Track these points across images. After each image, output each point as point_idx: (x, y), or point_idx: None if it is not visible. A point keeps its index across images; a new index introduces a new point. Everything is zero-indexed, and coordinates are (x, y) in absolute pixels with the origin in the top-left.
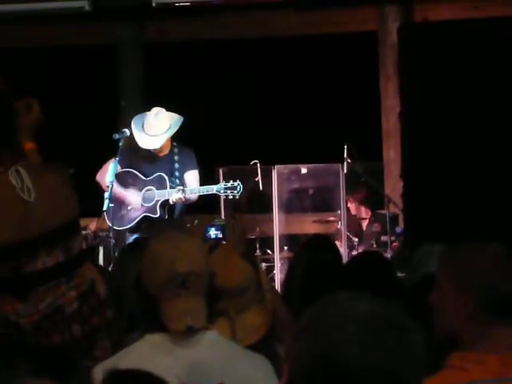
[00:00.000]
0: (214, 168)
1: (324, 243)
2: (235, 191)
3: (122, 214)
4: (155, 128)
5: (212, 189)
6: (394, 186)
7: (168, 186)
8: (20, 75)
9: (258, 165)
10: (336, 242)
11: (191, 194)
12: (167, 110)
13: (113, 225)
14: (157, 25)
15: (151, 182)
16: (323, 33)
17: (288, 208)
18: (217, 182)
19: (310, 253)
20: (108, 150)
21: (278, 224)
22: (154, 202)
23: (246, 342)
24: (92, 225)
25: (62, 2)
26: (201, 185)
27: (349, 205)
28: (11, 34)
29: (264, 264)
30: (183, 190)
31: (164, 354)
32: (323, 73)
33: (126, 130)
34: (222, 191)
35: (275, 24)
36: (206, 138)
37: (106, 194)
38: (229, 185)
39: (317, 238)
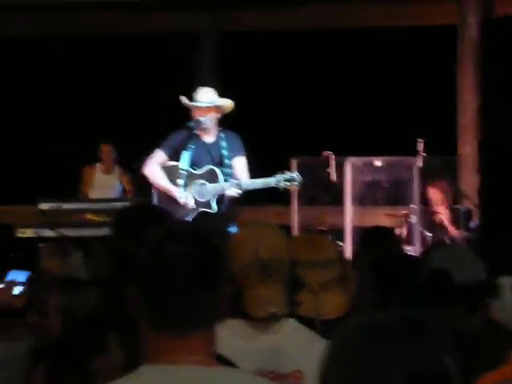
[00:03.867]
0: (287, 158)
1: (385, 236)
2: (295, 182)
3: (172, 209)
4: (204, 94)
5: (270, 183)
6: (468, 181)
7: (221, 180)
8: (96, 63)
9: (331, 156)
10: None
11: (247, 187)
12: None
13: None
14: (233, 14)
15: (202, 176)
16: (402, 25)
17: (360, 200)
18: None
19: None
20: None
21: (349, 216)
22: (208, 197)
23: (324, 316)
24: None
25: None
26: (262, 173)
27: (430, 192)
28: (88, 20)
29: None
30: (239, 185)
31: (243, 339)
32: (400, 65)
33: (201, 119)
34: (281, 183)
35: (354, 16)
36: (279, 128)
37: (181, 182)
38: (288, 176)
39: (377, 230)
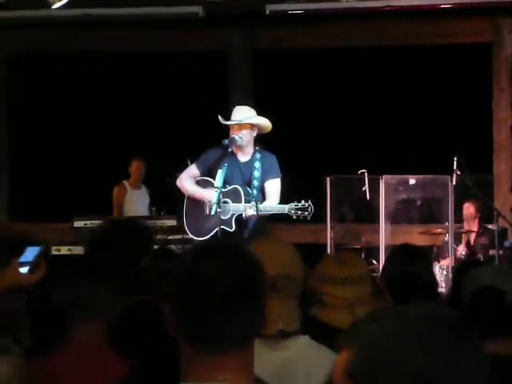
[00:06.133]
0: (322, 177)
1: (410, 254)
2: (306, 212)
3: (200, 223)
4: (238, 112)
5: (284, 208)
6: (503, 200)
7: (243, 200)
8: (131, 79)
9: (366, 174)
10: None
11: (264, 211)
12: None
13: (190, 232)
14: (268, 32)
15: (227, 194)
16: (436, 43)
17: (395, 218)
18: (324, 190)
19: (396, 264)
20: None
21: (384, 234)
22: (229, 216)
23: None
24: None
25: (176, 7)
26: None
27: (467, 211)
28: (123, 38)
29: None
30: (257, 207)
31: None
32: (435, 83)
33: (235, 137)
34: (292, 212)
35: (387, 33)
36: (314, 146)
37: (214, 199)
38: (300, 205)
39: (404, 248)
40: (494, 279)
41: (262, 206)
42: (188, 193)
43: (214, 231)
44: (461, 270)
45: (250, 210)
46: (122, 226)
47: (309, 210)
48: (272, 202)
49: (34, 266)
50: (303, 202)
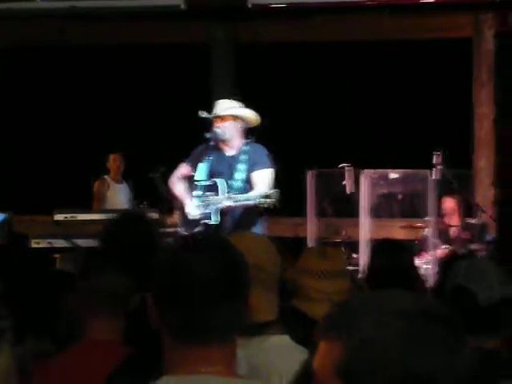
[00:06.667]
0: (303, 170)
1: (393, 248)
2: (271, 199)
3: (186, 217)
4: (219, 105)
5: (251, 198)
6: (484, 195)
7: (222, 193)
8: (112, 72)
9: (346, 168)
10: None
11: (238, 201)
12: (257, 111)
13: (181, 226)
14: (250, 26)
15: (209, 188)
16: (416, 38)
17: (375, 212)
18: (304, 184)
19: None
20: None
21: (364, 228)
22: (209, 209)
23: None
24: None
25: (158, 0)
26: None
27: (445, 205)
28: (106, 30)
29: (349, 267)
30: (232, 198)
31: None
32: (416, 78)
33: (217, 130)
34: (258, 200)
35: (368, 28)
36: (295, 140)
37: (197, 192)
38: (266, 193)
39: (385, 242)
40: (465, 276)
41: (237, 198)
42: (175, 193)
43: (199, 224)
44: (446, 263)
45: (226, 202)
46: (131, 220)
47: (272, 196)
48: (258, 192)
49: None
50: (269, 190)
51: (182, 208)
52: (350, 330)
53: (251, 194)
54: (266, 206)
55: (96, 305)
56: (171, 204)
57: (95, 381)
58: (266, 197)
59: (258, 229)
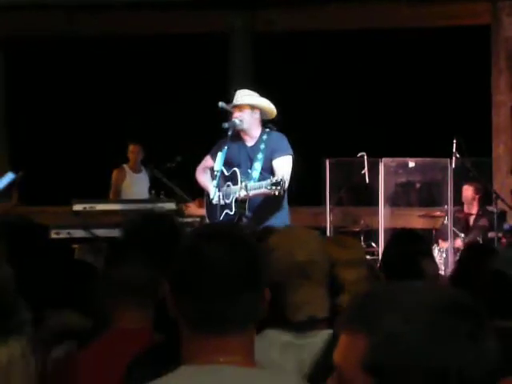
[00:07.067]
0: (321, 159)
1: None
2: (279, 187)
3: (211, 208)
4: (238, 95)
5: (262, 185)
6: (502, 182)
7: (239, 182)
8: (130, 63)
9: (365, 157)
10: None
11: (250, 190)
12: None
13: (207, 216)
14: (267, 14)
15: (229, 178)
16: (433, 26)
17: (394, 201)
18: (323, 173)
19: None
20: (216, 138)
21: (383, 217)
22: (231, 199)
23: None
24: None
25: None
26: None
27: (466, 193)
28: (120, 21)
29: (368, 257)
30: (246, 187)
31: (280, 349)
32: (434, 66)
33: (235, 120)
34: (268, 188)
35: (385, 16)
36: (313, 128)
37: (214, 183)
38: (274, 181)
39: (404, 232)
40: (503, 262)
41: (249, 186)
42: (200, 184)
43: (221, 216)
44: (468, 252)
45: (242, 191)
46: (154, 220)
47: (281, 184)
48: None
49: (3, 194)
50: (276, 177)
51: (208, 197)
52: (376, 325)
53: (263, 182)
54: (276, 193)
55: (121, 297)
56: (186, 194)
57: (123, 369)
58: (274, 184)
59: (281, 218)
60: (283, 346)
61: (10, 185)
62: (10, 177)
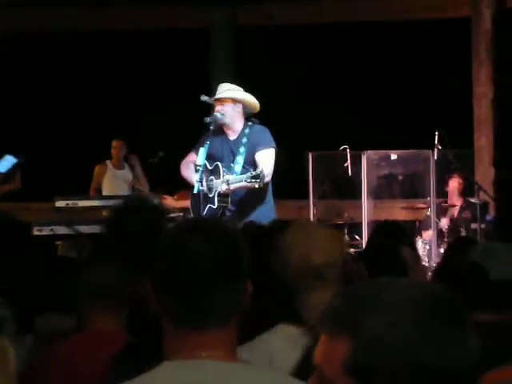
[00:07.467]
0: (304, 153)
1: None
2: (258, 180)
3: (195, 203)
4: (220, 89)
5: (242, 179)
6: (484, 174)
7: (221, 176)
8: (113, 58)
9: (348, 150)
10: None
11: (232, 184)
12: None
13: (192, 211)
14: (249, 9)
15: (212, 172)
16: (416, 18)
17: (377, 194)
18: (306, 166)
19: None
20: (199, 133)
21: (366, 210)
22: (213, 193)
23: None
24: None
25: None
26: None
27: (450, 185)
28: (104, 16)
29: (352, 250)
30: (227, 181)
31: (295, 347)
32: (415, 58)
33: (217, 114)
34: (248, 180)
35: (367, 9)
36: (295, 122)
37: (197, 177)
38: (253, 173)
39: (385, 224)
40: (481, 256)
41: (230, 180)
42: (185, 178)
43: (205, 211)
44: (454, 246)
45: (223, 185)
46: (135, 204)
47: (260, 177)
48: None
49: (6, 177)
50: (256, 170)
51: (192, 192)
52: (359, 327)
53: (243, 175)
54: (256, 186)
55: (93, 298)
56: (168, 189)
57: (96, 368)
58: (254, 177)
59: (264, 211)
60: (297, 345)
61: (14, 168)
62: (11, 160)
